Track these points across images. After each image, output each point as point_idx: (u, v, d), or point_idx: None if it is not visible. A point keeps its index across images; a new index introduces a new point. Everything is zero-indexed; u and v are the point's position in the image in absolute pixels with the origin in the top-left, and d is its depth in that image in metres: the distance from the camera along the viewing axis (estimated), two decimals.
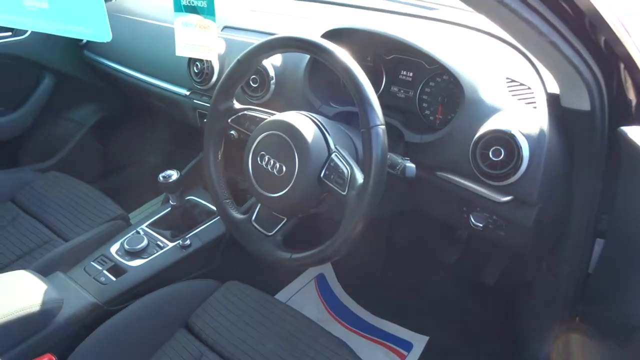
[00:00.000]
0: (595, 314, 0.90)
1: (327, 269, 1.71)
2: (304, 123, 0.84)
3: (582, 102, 0.76)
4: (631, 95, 0.76)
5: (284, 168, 0.82)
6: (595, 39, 0.69)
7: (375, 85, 0.95)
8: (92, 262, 1.15)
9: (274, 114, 0.90)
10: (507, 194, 0.87)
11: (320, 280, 1.68)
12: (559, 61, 0.70)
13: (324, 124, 0.85)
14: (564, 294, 0.98)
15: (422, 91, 1.03)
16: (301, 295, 1.62)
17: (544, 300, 1.06)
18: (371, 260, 1.66)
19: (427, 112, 1.04)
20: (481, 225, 0.95)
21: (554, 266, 1.01)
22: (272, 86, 1.12)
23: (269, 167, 0.84)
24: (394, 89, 1.07)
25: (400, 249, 1.64)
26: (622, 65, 0.73)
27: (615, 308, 0.82)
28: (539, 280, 1.14)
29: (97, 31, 0.82)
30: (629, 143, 0.71)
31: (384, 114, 0.77)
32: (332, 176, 0.80)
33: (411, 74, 1.05)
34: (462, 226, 1.04)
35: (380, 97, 0.79)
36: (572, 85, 0.75)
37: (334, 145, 0.83)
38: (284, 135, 0.83)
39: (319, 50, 0.81)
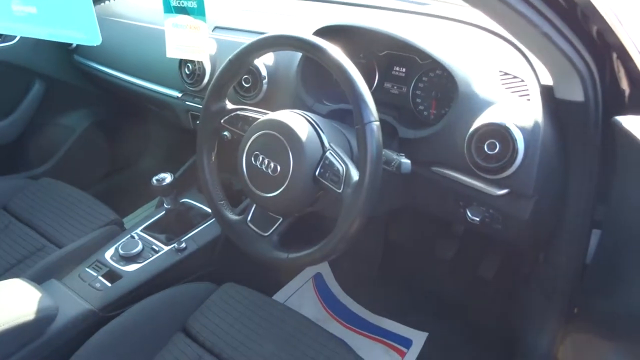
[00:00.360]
0: (594, 305, 0.90)
1: (325, 268, 1.71)
2: (298, 122, 0.83)
3: (575, 93, 0.76)
4: (624, 85, 0.76)
5: (279, 167, 0.82)
6: (587, 29, 0.69)
7: (369, 81, 0.95)
8: (86, 269, 1.14)
9: (267, 114, 0.89)
10: (503, 187, 0.87)
11: (318, 279, 1.67)
12: (552, 52, 0.70)
13: (317, 122, 0.85)
14: (561, 285, 0.98)
15: (416, 86, 1.03)
16: (299, 295, 1.61)
17: (542, 293, 1.06)
18: (368, 258, 1.66)
19: (421, 107, 1.03)
20: (478, 219, 0.95)
21: (552, 258, 1.01)
22: (265, 85, 1.11)
23: (264, 167, 0.84)
24: (388, 85, 1.07)
25: (396, 245, 1.64)
26: (614, 55, 0.72)
27: (613, 298, 0.82)
28: (536, 273, 1.14)
29: (87, 35, 0.81)
30: (624, 133, 0.70)
31: (378, 110, 0.76)
32: (327, 174, 0.80)
33: (404, 70, 1.05)
34: (459, 221, 1.03)
35: (373, 94, 0.78)
36: (565, 77, 0.75)
37: (328, 143, 0.82)
38: (277, 135, 0.82)
39: (311, 48, 0.81)
